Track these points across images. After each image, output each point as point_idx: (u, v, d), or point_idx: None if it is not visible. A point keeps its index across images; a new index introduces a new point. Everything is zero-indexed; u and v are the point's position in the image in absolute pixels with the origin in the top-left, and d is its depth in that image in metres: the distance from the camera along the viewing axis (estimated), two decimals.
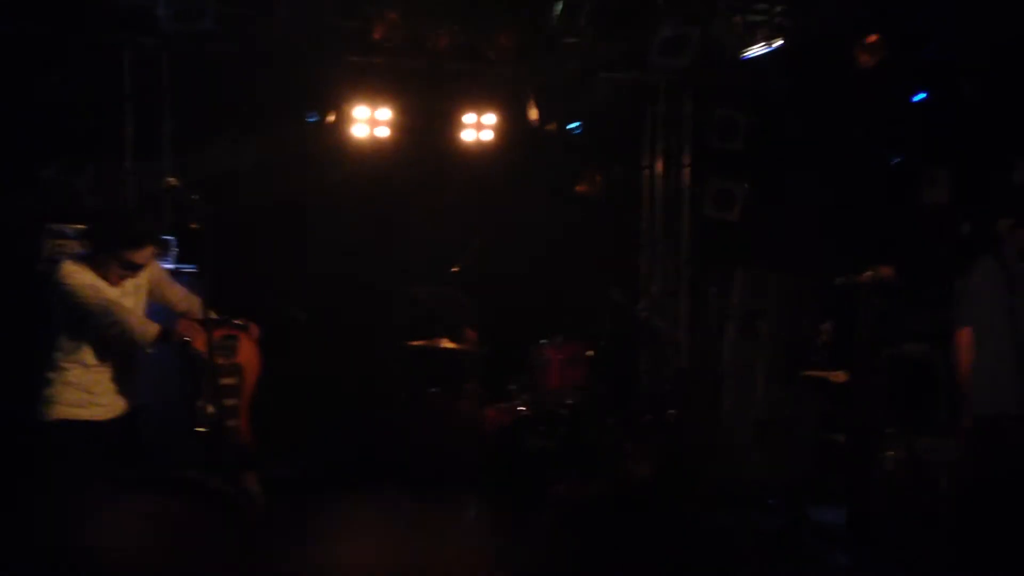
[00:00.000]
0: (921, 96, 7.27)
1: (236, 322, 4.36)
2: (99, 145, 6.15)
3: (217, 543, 4.07)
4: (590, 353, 6.51)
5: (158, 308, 4.30)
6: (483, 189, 7.44)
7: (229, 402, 4.27)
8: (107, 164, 6.12)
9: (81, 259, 4.03)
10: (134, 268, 4.02)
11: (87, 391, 4.02)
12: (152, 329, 4.00)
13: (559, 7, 6.15)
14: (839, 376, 6.35)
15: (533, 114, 7.15)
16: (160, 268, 4.38)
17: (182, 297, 4.33)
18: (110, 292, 4.02)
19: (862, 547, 5.34)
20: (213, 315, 4.10)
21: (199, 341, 4.07)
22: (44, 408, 4.00)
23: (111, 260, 3.96)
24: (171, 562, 3.95)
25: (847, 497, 5.73)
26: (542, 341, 6.49)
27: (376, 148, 7.11)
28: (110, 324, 3.95)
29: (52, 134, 5.98)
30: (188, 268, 5.52)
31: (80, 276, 3.94)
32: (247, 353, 4.41)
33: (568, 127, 7.59)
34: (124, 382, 4.13)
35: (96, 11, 5.91)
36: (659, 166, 8.09)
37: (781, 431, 6.77)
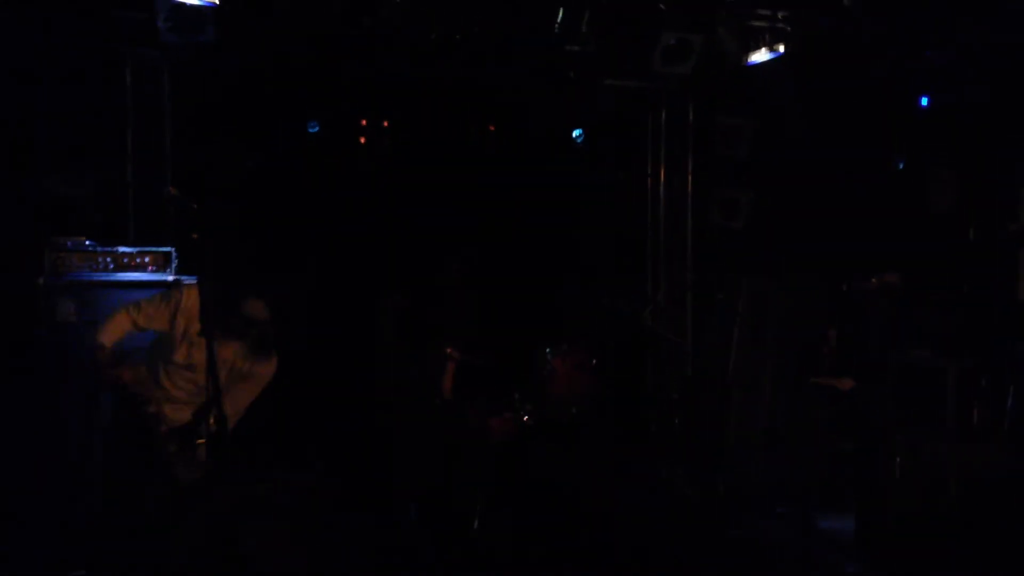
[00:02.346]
0: (926, 100, 7.23)
1: None
2: (101, 156, 6.14)
3: None
4: (595, 362, 6.46)
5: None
6: (487, 198, 7.42)
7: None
8: (108, 175, 6.12)
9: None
10: (248, 322, 4.21)
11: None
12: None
13: (561, 14, 6.14)
14: (846, 383, 6.30)
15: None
16: None
17: None
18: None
19: (871, 556, 5.28)
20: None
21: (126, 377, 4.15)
22: None
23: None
24: None
25: (856, 505, 5.67)
26: (547, 350, 6.45)
27: (378, 157, 7.11)
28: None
29: (54, 146, 5.97)
30: (188, 279, 5.49)
31: (184, 291, 4.19)
32: None
33: (571, 135, 7.57)
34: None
35: (97, 23, 5.91)
36: (662, 174, 8.06)
37: (789, 439, 6.72)
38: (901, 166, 7.37)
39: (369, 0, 6.02)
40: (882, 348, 6.40)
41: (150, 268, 5.36)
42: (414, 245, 7.10)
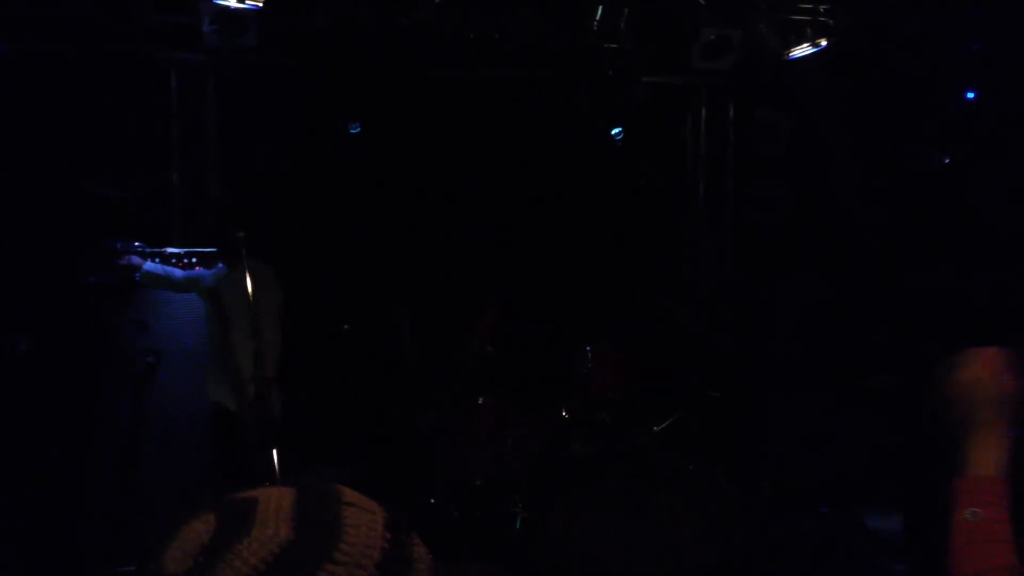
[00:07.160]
0: (971, 95, 7.11)
1: None
2: (147, 159, 6.24)
3: None
4: (635, 360, 6.44)
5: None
6: (526, 197, 7.42)
7: None
8: (155, 178, 6.21)
9: None
10: None
11: None
12: None
13: (599, 11, 6.13)
14: (891, 380, 6.23)
15: None
16: None
17: None
18: None
19: (919, 554, 5.20)
20: None
21: None
22: None
23: None
24: None
25: (903, 503, 5.60)
26: (587, 348, 6.43)
27: (419, 158, 7.14)
28: None
29: (102, 149, 6.07)
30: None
31: None
32: None
33: (610, 133, 7.55)
34: None
35: (143, 28, 6.00)
36: (702, 171, 8.01)
37: (833, 436, 6.65)
38: (947, 161, 7.27)
39: (407, 0, 6.04)
40: (928, 344, 6.32)
41: (197, 268, 5.44)
42: (450, 244, 7.13)
